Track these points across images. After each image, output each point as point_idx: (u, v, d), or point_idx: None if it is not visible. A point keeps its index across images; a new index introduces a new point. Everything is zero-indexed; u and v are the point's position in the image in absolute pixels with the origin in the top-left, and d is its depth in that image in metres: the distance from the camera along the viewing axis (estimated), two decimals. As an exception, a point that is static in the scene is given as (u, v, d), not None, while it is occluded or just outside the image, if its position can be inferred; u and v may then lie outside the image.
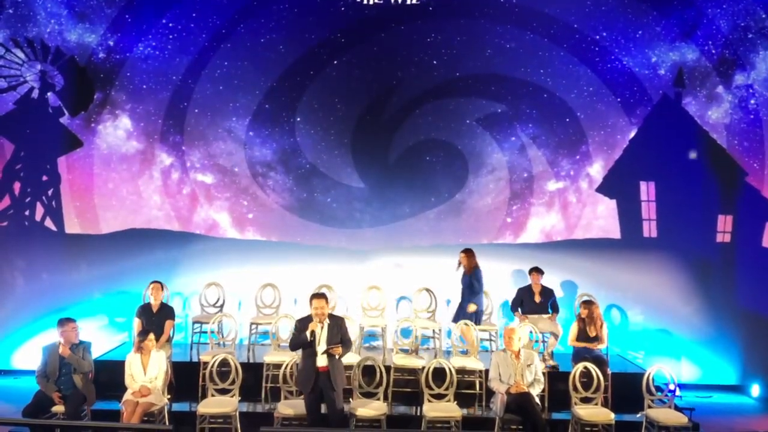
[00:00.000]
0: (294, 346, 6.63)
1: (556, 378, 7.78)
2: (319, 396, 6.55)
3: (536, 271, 8.64)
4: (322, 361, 6.50)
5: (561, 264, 9.47)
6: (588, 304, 7.98)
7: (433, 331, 8.82)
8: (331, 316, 6.66)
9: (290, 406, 6.80)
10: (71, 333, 6.84)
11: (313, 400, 6.53)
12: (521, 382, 6.81)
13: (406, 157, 9.69)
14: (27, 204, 9.46)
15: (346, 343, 6.64)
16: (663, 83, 9.60)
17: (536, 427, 6.63)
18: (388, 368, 7.51)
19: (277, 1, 9.51)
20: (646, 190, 9.67)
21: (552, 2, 9.52)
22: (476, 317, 8.36)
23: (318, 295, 6.67)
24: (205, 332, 8.45)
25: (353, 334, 7.85)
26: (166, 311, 7.95)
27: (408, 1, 9.51)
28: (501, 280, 9.40)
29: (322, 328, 6.54)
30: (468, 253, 8.55)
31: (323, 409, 6.66)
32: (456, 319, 8.42)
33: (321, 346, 6.49)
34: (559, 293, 9.26)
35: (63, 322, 6.90)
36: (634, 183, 9.68)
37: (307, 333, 6.46)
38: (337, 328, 6.60)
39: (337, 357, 6.56)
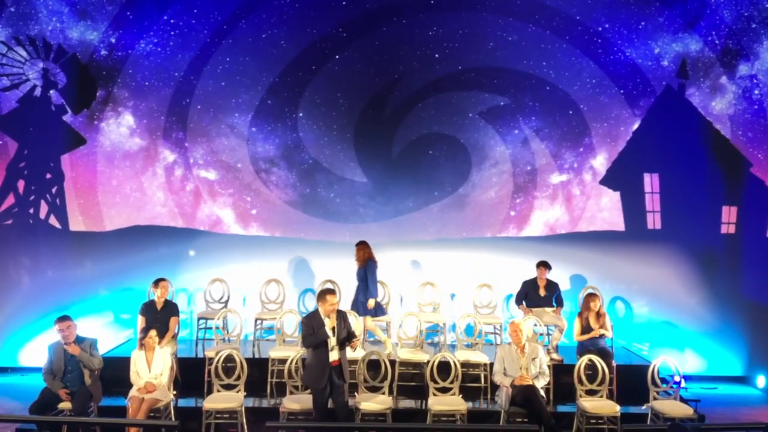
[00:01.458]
0: (311, 343, 6.58)
1: (561, 371, 7.79)
2: (330, 390, 6.58)
3: (543, 265, 8.63)
4: (334, 355, 6.55)
5: (565, 257, 9.46)
6: (590, 297, 7.96)
7: (438, 324, 8.83)
8: (336, 311, 6.68)
9: (296, 401, 6.82)
10: (66, 331, 6.85)
11: (325, 394, 6.56)
12: (526, 375, 6.83)
13: (409, 151, 9.67)
14: (31, 202, 9.48)
15: (351, 335, 6.70)
16: (666, 74, 9.57)
17: (541, 419, 6.64)
18: (393, 362, 7.53)
19: (279, -4, 9.50)
20: (650, 182, 9.65)
21: (554, -6, 9.50)
22: (376, 309, 8.24)
23: (332, 291, 6.70)
24: (210, 328, 8.46)
25: (358, 329, 7.88)
26: (170, 308, 7.96)
27: (409, -5, 9.49)
28: (505, 274, 9.39)
29: (331, 322, 6.58)
30: (360, 245, 8.47)
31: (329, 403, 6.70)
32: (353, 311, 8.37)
33: (332, 342, 6.53)
34: (565, 286, 9.26)
35: (57, 321, 6.92)
36: (637, 175, 9.66)
37: (328, 330, 6.49)
38: (343, 321, 6.66)
39: (353, 350, 6.70)
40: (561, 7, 9.50)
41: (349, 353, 6.87)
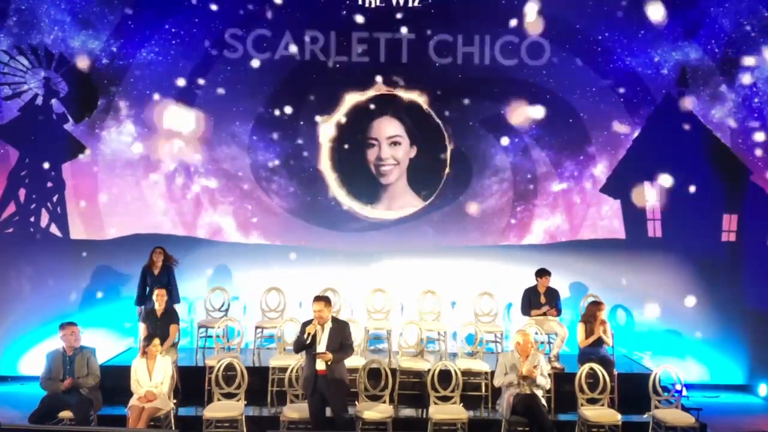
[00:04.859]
0: (296, 347, 6.64)
1: (562, 379, 7.77)
2: (323, 399, 6.56)
3: (546, 273, 8.59)
4: (320, 364, 6.49)
5: (566, 265, 9.44)
6: (596, 305, 7.95)
7: (439, 333, 8.81)
8: (334, 320, 6.66)
9: (296, 410, 6.81)
10: (70, 337, 6.88)
11: (316, 403, 6.54)
12: (532, 369, 6.76)
13: (409, 158, 9.70)
14: (32, 210, 9.49)
15: (345, 348, 6.61)
16: (666, 83, 9.58)
17: (543, 428, 6.64)
18: (393, 371, 7.51)
19: (279, 5, 9.52)
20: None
21: (554, 3, 9.51)
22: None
23: (317, 298, 6.66)
24: (211, 337, 8.45)
25: (358, 337, 7.86)
26: (171, 316, 7.95)
27: (410, 4, 9.52)
28: (505, 282, 9.37)
29: (322, 331, 6.54)
30: (157, 249, 8.56)
31: (328, 412, 6.67)
32: None
33: (317, 350, 6.48)
34: (566, 294, 9.25)
35: (63, 326, 6.96)
36: (638, 183, 9.66)
37: (304, 335, 6.46)
38: (340, 332, 6.60)
39: (327, 363, 6.48)
40: (561, 15, 9.53)
41: (350, 362, 6.86)
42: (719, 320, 9.42)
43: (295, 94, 9.60)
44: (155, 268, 8.51)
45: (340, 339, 6.58)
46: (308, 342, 6.44)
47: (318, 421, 6.54)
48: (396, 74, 9.59)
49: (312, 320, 6.63)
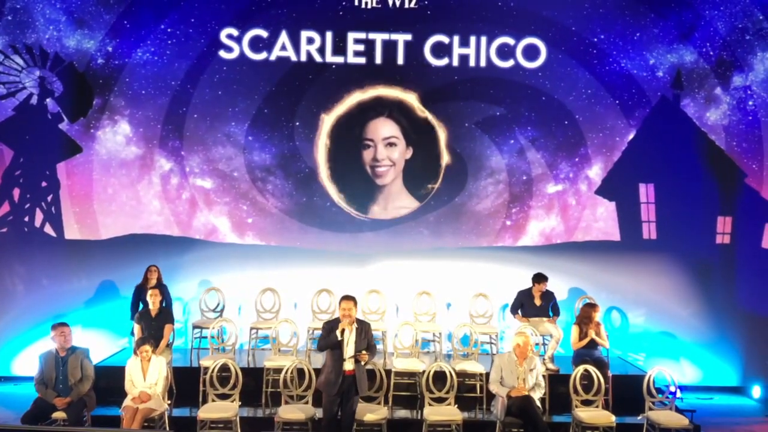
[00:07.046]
0: (322, 347, 6.61)
1: (556, 381, 7.79)
2: (341, 400, 6.55)
3: (543, 279, 8.56)
4: (349, 365, 6.50)
5: (561, 267, 9.46)
6: (590, 307, 7.96)
7: (434, 334, 8.82)
8: (358, 321, 6.62)
9: (291, 411, 6.80)
10: (60, 338, 6.86)
11: (335, 403, 6.53)
12: (523, 386, 6.80)
13: (405, 160, 9.70)
14: (26, 210, 9.46)
15: (371, 349, 6.65)
16: (661, 85, 9.62)
17: (537, 430, 6.64)
18: (388, 372, 7.51)
19: (275, 5, 9.53)
20: (646, 192, 9.68)
21: (550, 5, 9.54)
22: None
23: (347, 298, 6.63)
24: (206, 337, 8.43)
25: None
26: (165, 315, 7.94)
27: (406, 5, 9.53)
28: (501, 284, 9.38)
29: (349, 332, 6.50)
30: (152, 267, 8.57)
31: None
32: None
33: (348, 351, 6.49)
34: (561, 296, 9.26)
35: (54, 327, 6.94)
36: (633, 185, 9.69)
37: (337, 332, 6.44)
38: (364, 333, 6.61)
39: (363, 363, 6.58)
40: (557, 18, 9.56)
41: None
42: (713, 322, 9.45)
43: (290, 95, 9.60)
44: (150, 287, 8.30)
45: (366, 339, 6.60)
46: (339, 339, 6.43)
47: (332, 422, 6.53)
48: (392, 75, 9.59)
49: (333, 320, 6.65)
